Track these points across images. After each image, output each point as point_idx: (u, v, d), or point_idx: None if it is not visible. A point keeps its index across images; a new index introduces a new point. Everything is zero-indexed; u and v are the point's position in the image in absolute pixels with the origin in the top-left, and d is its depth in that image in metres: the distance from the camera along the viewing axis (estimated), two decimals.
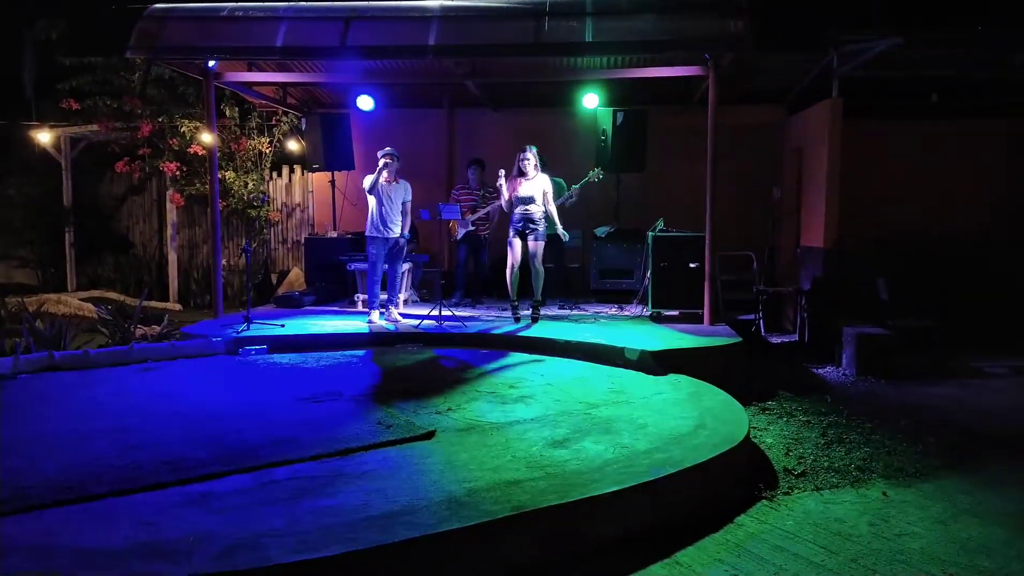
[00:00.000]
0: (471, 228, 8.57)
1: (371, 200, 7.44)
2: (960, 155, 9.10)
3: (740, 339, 6.56)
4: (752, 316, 8.64)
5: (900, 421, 5.47)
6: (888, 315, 7.54)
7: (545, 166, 8.25)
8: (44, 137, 11.33)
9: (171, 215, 11.21)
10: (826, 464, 4.52)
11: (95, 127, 10.74)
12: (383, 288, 7.73)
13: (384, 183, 7.41)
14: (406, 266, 8.50)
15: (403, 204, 7.53)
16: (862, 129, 8.56)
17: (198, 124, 10.16)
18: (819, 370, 7.26)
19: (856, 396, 6.32)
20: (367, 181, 7.42)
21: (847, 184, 8.14)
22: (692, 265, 7.37)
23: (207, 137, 8.31)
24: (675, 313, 7.58)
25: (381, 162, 7.37)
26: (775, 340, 8.67)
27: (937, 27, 7.58)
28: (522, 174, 7.31)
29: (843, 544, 3.45)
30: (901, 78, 8.83)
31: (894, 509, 3.89)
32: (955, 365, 7.18)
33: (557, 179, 8.46)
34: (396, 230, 7.46)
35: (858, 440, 5.02)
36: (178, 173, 10.41)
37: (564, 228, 8.37)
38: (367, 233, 7.52)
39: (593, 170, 8.30)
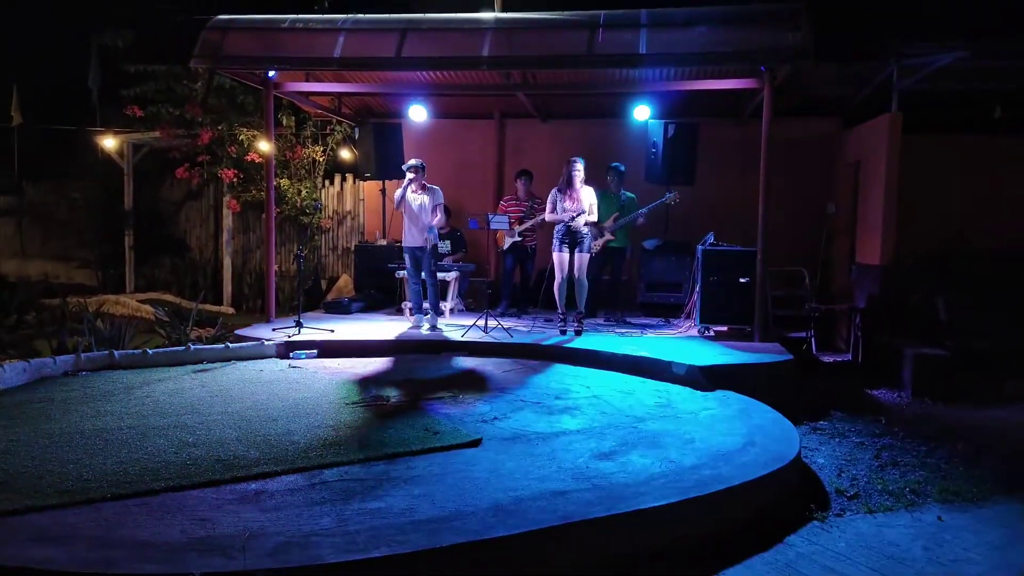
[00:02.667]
0: (518, 239, 8.61)
1: (402, 211, 7.63)
2: None
3: (791, 356, 6.45)
4: (803, 334, 8.48)
5: (957, 444, 5.31)
6: (946, 335, 7.33)
7: (620, 174, 8.31)
8: (109, 143, 11.72)
9: (227, 221, 11.49)
10: (879, 486, 4.41)
11: (157, 134, 11.07)
12: (424, 296, 7.85)
13: (412, 194, 7.55)
14: (452, 275, 8.59)
15: (434, 209, 7.67)
16: (921, 143, 8.36)
17: (256, 132, 10.41)
18: (873, 391, 7.08)
19: (912, 418, 6.16)
20: (395, 196, 7.63)
21: (904, 200, 7.96)
22: (742, 280, 7.27)
23: (265, 145, 8.51)
24: (724, 328, 7.49)
25: (407, 176, 7.54)
26: (827, 359, 8.50)
27: (1003, 39, 7.36)
28: (568, 186, 7.31)
29: (896, 567, 3.36)
30: (963, 91, 8.60)
31: (949, 534, 3.78)
32: (1015, 388, 6.94)
33: (630, 194, 8.48)
34: (428, 237, 7.60)
35: (913, 463, 4.89)
36: (235, 180, 10.67)
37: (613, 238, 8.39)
38: (403, 243, 7.71)
39: (668, 193, 8.27)
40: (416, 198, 7.60)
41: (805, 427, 5.63)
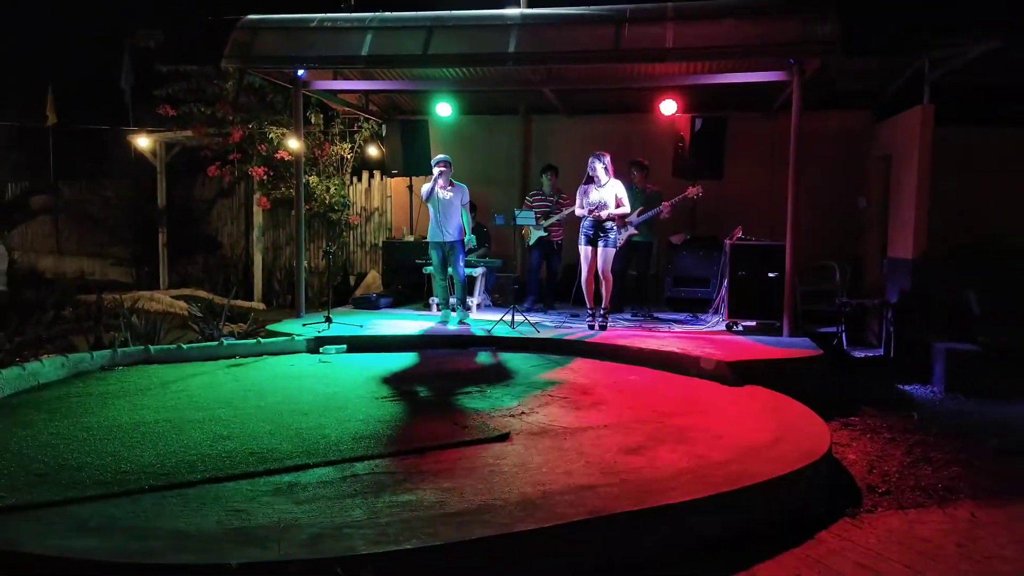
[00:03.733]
0: (544, 234, 8.62)
1: (429, 207, 7.68)
2: None
3: (821, 351, 6.39)
4: (833, 329, 8.39)
5: (990, 441, 5.23)
6: (980, 330, 7.21)
7: (644, 168, 8.30)
8: (142, 142, 11.92)
9: (257, 218, 11.63)
10: (911, 483, 4.37)
11: (189, 133, 11.24)
12: (451, 291, 7.91)
13: (439, 189, 7.60)
14: (479, 271, 8.64)
15: (462, 207, 7.74)
16: (954, 136, 8.22)
17: (285, 130, 10.52)
18: (905, 386, 7.00)
19: (944, 414, 6.08)
20: (423, 190, 7.67)
21: (936, 193, 7.84)
22: (771, 275, 7.21)
23: (294, 143, 8.61)
24: (752, 323, 7.43)
25: (436, 171, 7.60)
26: (858, 354, 8.39)
27: None
28: (592, 180, 7.31)
29: (929, 564, 3.33)
30: (997, 84, 8.44)
31: (983, 531, 3.73)
32: None
33: (654, 189, 8.47)
34: (453, 233, 7.64)
35: (945, 459, 4.83)
36: (265, 177, 10.80)
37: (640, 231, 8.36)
38: (428, 238, 7.76)
39: (693, 187, 8.22)
40: (444, 193, 7.66)
41: (836, 423, 5.57)
